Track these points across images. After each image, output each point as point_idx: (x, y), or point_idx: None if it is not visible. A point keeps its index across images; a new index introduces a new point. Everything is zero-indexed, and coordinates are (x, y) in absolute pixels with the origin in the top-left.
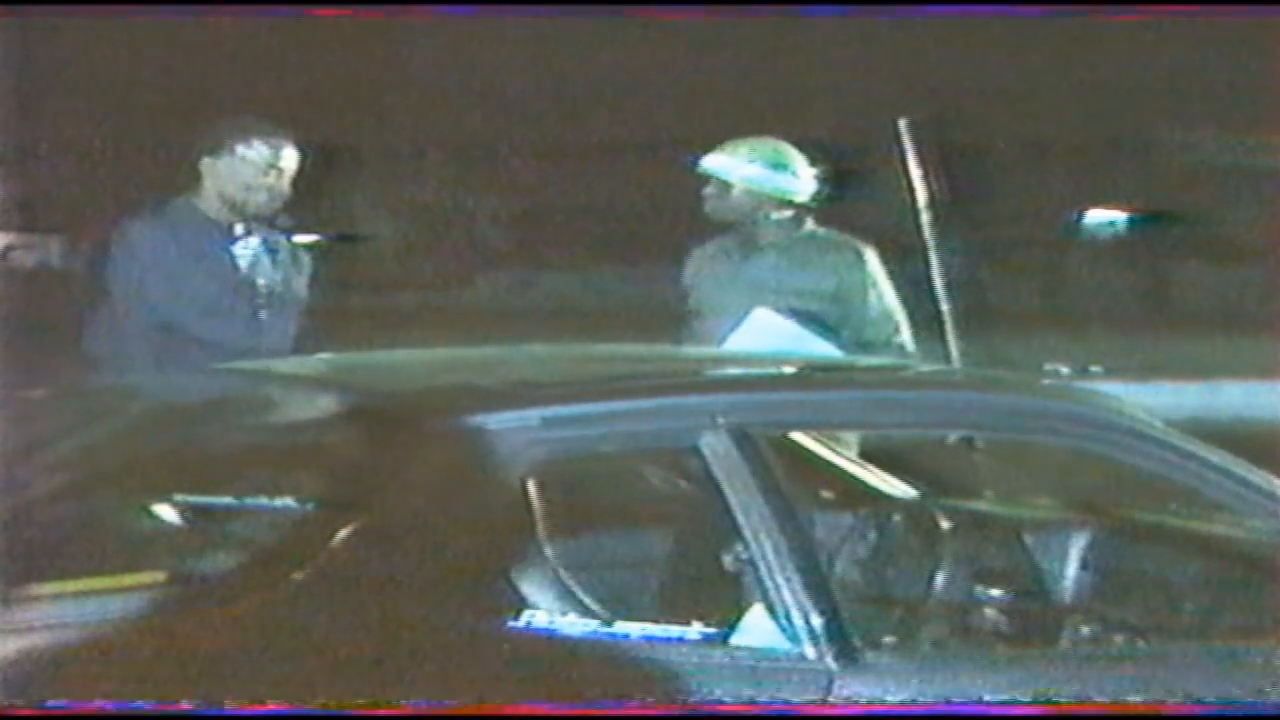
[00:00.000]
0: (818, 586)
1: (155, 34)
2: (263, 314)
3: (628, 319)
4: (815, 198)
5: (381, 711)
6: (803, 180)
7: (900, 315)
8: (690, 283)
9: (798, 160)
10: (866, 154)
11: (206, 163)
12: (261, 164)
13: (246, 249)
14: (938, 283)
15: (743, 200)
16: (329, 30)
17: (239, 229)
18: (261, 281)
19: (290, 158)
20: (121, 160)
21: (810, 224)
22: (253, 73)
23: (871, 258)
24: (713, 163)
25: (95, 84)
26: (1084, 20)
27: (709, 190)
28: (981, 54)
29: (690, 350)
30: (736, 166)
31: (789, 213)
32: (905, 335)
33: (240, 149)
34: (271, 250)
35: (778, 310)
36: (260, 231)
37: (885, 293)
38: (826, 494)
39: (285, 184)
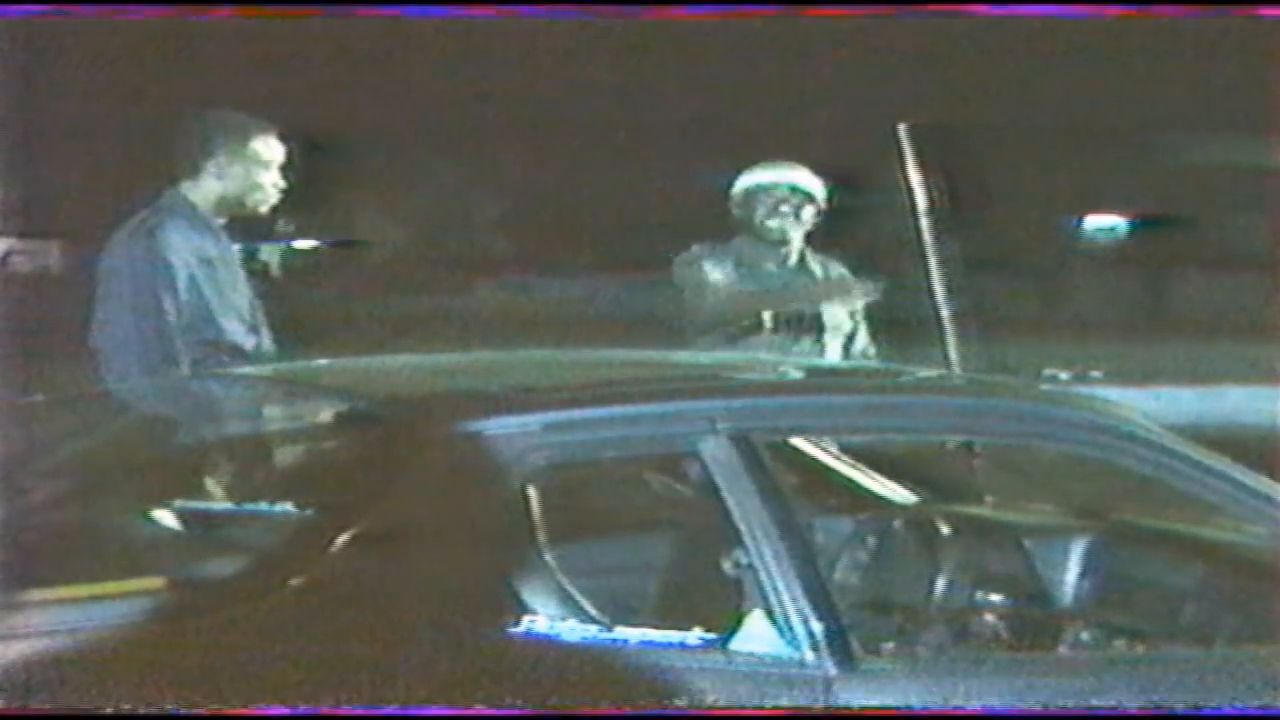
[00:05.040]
0: (817, 592)
1: (156, 34)
2: (259, 315)
3: (628, 325)
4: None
5: (381, 715)
6: (820, 203)
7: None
8: (698, 290)
9: (816, 184)
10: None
11: (215, 161)
12: (268, 162)
13: (242, 248)
14: (937, 288)
15: (776, 221)
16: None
17: (225, 233)
18: (257, 282)
19: (294, 155)
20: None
21: (810, 249)
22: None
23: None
24: (753, 180)
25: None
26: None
27: (757, 211)
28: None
29: (689, 355)
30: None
31: (803, 236)
32: None
33: (245, 147)
34: (265, 250)
35: None
36: (255, 231)
37: (863, 326)
38: (826, 499)
39: (285, 183)
